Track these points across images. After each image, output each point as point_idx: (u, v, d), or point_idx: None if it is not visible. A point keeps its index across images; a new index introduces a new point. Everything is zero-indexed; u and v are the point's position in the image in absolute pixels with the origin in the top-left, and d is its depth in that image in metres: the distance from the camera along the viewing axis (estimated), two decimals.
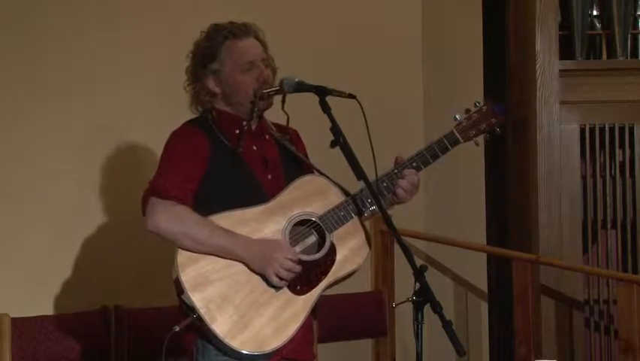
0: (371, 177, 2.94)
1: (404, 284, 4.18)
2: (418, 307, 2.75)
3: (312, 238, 3.01)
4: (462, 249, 4.98)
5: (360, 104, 2.87)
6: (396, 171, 3.04)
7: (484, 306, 5.26)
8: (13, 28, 4.26)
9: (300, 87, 2.97)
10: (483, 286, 5.26)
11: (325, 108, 2.91)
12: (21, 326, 3.86)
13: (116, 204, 4.31)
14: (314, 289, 2.97)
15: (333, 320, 4.57)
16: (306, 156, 3.23)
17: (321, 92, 2.93)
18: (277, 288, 2.94)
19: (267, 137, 3.14)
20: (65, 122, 4.31)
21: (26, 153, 4.27)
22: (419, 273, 2.73)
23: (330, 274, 2.99)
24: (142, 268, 4.27)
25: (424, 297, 2.73)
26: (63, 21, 4.35)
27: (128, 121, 4.35)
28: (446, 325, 2.65)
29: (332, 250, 2.99)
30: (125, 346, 4.07)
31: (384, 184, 3.03)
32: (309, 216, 3.00)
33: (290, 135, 3.20)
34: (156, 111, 4.27)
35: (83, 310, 4.08)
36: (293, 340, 2.95)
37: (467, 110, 3.14)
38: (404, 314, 4.68)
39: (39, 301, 4.17)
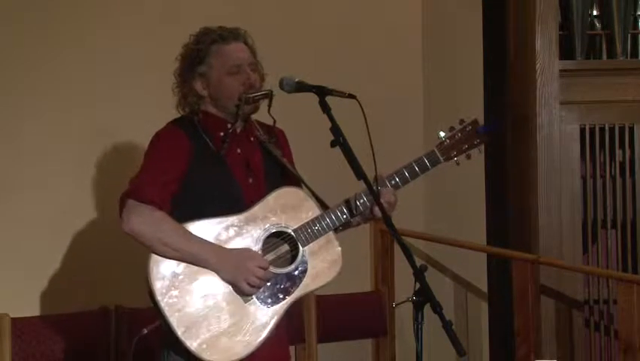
0: (371, 177, 2.94)
1: (404, 284, 4.18)
2: (418, 307, 2.75)
3: (286, 251, 3.03)
4: (462, 249, 4.98)
5: (360, 104, 2.87)
6: (375, 187, 3.02)
7: (484, 306, 5.26)
8: (9, 29, 4.26)
9: (300, 87, 2.97)
10: (483, 286, 5.26)
11: (325, 108, 2.91)
12: (21, 326, 3.87)
13: (116, 204, 4.30)
14: (283, 302, 2.99)
15: (333, 320, 4.57)
16: (291, 158, 3.25)
17: (321, 92, 2.93)
18: (246, 299, 2.96)
19: (252, 140, 3.15)
20: (64, 123, 4.31)
21: (27, 153, 4.27)
22: (419, 273, 2.73)
23: (300, 287, 3.01)
24: (142, 268, 4.26)
25: (424, 297, 2.73)
26: (64, 19, 4.35)
27: (126, 121, 4.34)
28: (446, 325, 2.65)
29: (304, 264, 3.01)
30: (125, 346, 4.07)
31: (361, 200, 3.04)
32: (284, 228, 3.01)
33: (276, 137, 3.21)
34: (154, 111, 4.25)
35: (83, 310, 4.08)
36: (264, 351, 2.97)
37: (452, 128, 3.13)
38: (404, 314, 4.69)
39: (39, 301, 4.17)
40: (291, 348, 4.47)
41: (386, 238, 4.83)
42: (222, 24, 3.19)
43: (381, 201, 2.99)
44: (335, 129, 2.89)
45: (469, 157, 3.15)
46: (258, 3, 4.68)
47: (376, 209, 3.02)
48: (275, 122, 3.15)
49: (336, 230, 3.06)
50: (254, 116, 3.16)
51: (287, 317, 3.07)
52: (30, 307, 4.10)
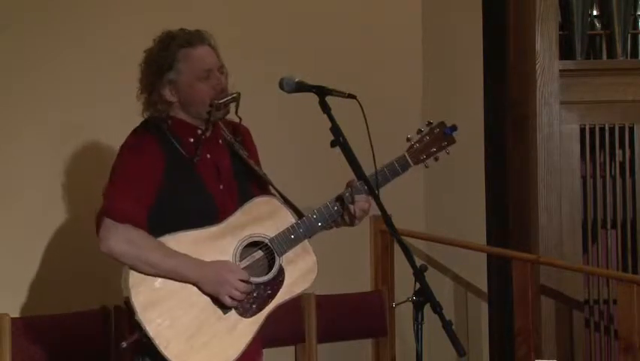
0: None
1: (404, 284, 4.18)
2: (418, 307, 2.75)
3: (262, 260, 3.04)
4: (462, 249, 4.98)
5: (360, 104, 2.87)
6: (347, 194, 3.05)
7: (484, 306, 5.26)
8: (9, 29, 4.26)
9: (300, 87, 2.97)
10: (483, 286, 5.26)
11: (325, 108, 2.91)
12: (21, 326, 3.86)
13: None
14: (261, 312, 3.01)
15: (333, 320, 4.57)
16: (257, 157, 3.24)
17: (321, 92, 2.93)
18: (225, 310, 2.98)
19: (219, 142, 3.15)
20: (64, 123, 4.31)
21: (27, 153, 4.27)
22: (419, 273, 2.73)
23: (277, 296, 3.02)
24: None
25: (424, 297, 2.73)
26: (64, 19, 4.35)
27: (126, 121, 4.33)
28: (446, 325, 2.66)
29: (281, 273, 3.02)
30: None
31: (335, 208, 3.06)
32: (261, 238, 3.02)
33: (242, 136, 3.20)
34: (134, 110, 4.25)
35: (83, 310, 4.08)
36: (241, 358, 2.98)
37: (419, 131, 3.16)
38: (404, 314, 4.68)
39: (39, 301, 4.17)
40: (291, 348, 4.48)
41: (386, 238, 4.82)
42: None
43: (355, 207, 3.04)
44: (335, 129, 2.89)
45: (436, 159, 3.18)
46: (258, 3, 4.68)
47: (349, 215, 3.05)
48: (241, 120, 3.14)
49: (311, 238, 3.07)
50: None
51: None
52: (30, 307, 4.09)
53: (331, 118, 2.90)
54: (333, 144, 2.90)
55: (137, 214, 2.97)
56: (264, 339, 3.14)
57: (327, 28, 4.84)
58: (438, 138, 3.16)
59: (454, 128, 3.17)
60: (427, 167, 3.17)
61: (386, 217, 2.87)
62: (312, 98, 2.94)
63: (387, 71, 4.95)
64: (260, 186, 3.16)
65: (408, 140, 3.14)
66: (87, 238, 4.24)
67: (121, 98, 4.33)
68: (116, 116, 4.34)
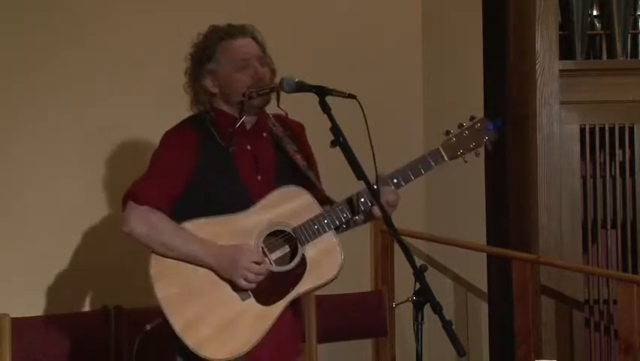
0: (371, 177, 2.94)
1: (404, 284, 4.18)
2: (418, 307, 2.75)
3: (286, 249, 3.04)
4: (462, 249, 4.98)
5: (360, 104, 2.87)
6: (375, 187, 3.00)
7: (484, 306, 5.26)
8: (12, 28, 4.26)
9: (300, 87, 2.97)
10: (483, 286, 5.26)
11: (325, 108, 2.91)
12: (21, 326, 3.86)
13: (116, 204, 4.30)
14: (281, 301, 3.00)
15: (333, 320, 4.57)
16: (309, 151, 3.22)
17: (321, 92, 2.93)
18: (245, 297, 2.98)
19: (264, 135, 3.15)
20: (64, 123, 4.31)
21: (27, 153, 4.27)
22: (419, 273, 2.73)
23: (298, 286, 3.01)
24: (142, 268, 4.26)
25: (424, 297, 2.73)
26: (64, 19, 4.35)
27: (126, 121, 4.35)
28: (446, 325, 2.65)
29: (303, 262, 3.01)
30: (125, 346, 4.07)
31: (362, 200, 3.03)
32: (284, 227, 3.02)
33: (292, 131, 3.20)
34: (154, 111, 4.26)
35: (83, 311, 4.08)
36: (271, 347, 2.99)
37: (460, 125, 3.10)
38: (404, 314, 4.69)
39: (39, 301, 4.17)
40: None
41: (386, 238, 4.82)
42: (222, 23, 3.19)
43: (382, 200, 2.97)
44: (335, 129, 2.89)
45: (477, 154, 3.12)
46: (258, 3, 4.67)
47: (375, 209, 3.01)
48: (287, 115, 3.15)
49: (337, 229, 3.05)
50: (276, 110, 3.14)
51: (296, 315, 3.12)
52: (30, 307, 4.09)
53: (331, 118, 2.90)
54: (333, 144, 2.90)
55: (159, 202, 3.00)
56: None
57: (327, 28, 4.84)
58: (479, 132, 3.09)
59: (497, 123, 3.11)
60: (465, 162, 3.11)
61: (386, 217, 2.87)
62: (312, 98, 2.94)
63: (387, 71, 4.95)
64: (302, 182, 3.12)
65: (447, 133, 3.09)
66: (87, 238, 4.27)
67: (121, 97, 4.37)
68: (116, 116, 4.35)
